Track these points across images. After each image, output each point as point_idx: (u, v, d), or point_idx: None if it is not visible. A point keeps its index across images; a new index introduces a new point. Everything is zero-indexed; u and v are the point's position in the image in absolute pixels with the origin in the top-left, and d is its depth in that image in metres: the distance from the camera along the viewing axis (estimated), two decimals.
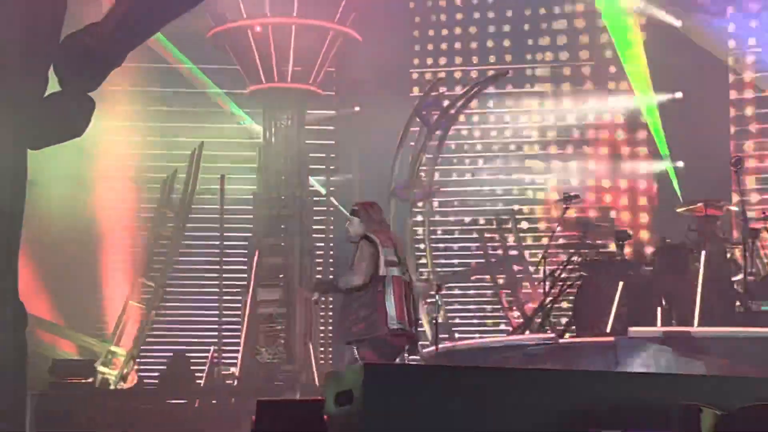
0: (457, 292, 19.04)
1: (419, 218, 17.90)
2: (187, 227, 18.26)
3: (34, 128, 12.91)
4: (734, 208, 14.72)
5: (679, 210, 13.84)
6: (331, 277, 9.46)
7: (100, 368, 17.19)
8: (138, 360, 17.88)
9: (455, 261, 19.25)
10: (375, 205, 9.88)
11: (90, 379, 15.92)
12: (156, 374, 17.86)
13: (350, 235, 9.55)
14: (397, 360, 9.34)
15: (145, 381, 17.79)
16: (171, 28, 13.47)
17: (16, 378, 12.38)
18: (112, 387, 17.14)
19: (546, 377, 6.94)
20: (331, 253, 19.26)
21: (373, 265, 9.31)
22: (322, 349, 18.44)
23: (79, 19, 13.06)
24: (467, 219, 19.52)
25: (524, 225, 19.13)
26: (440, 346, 13.56)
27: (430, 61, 19.75)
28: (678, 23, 18.56)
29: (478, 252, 18.67)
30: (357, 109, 19.51)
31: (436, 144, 17.75)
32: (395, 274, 9.34)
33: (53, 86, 13.09)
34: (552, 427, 6.16)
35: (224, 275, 18.39)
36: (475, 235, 19.03)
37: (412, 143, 17.70)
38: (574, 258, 13.77)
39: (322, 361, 18.19)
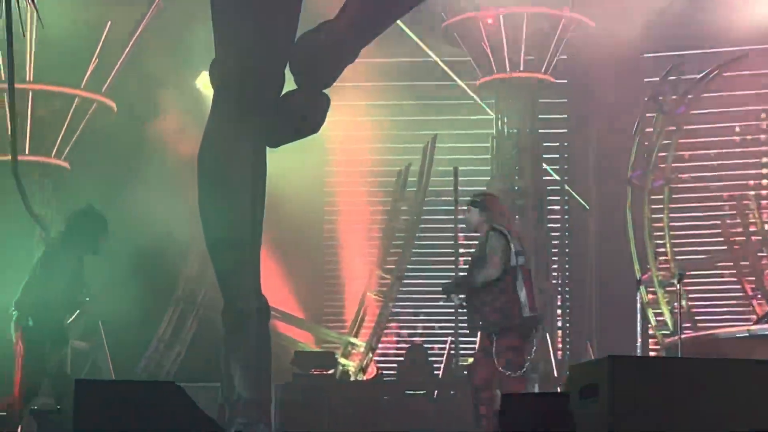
0: (698, 280, 18.54)
1: (657, 206, 17.52)
2: (421, 219, 18.37)
3: (273, 127, 13.23)
4: None
5: None
6: (463, 275, 9.85)
7: (341, 360, 17.48)
8: (377, 351, 18.09)
9: (696, 248, 18.75)
10: (496, 197, 10.24)
11: (331, 371, 16.20)
12: (394, 365, 18.03)
13: (469, 225, 9.96)
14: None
15: (384, 372, 17.99)
16: (401, 21, 13.63)
17: (261, 369, 12.74)
18: (352, 378, 17.39)
19: None
20: (566, 242, 19.09)
21: (506, 257, 9.68)
22: (559, 339, 18.27)
23: (313, 18, 13.31)
24: (708, 205, 19.00)
25: None
26: (682, 335, 13.24)
27: (666, 45, 19.27)
28: None
29: (720, 239, 18.14)
30: (590, 95, 19.22)
31: (674, 130, 17.35)
32: (522, 263, 9.78)
33: (290, 84, 13.39)
34: None
35: (459, 266, 18.43)
36: (716, 222, 18.49)
37: (650, 129, 17.35)
38: None
39: (560, 352, 18.04)
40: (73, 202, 17.35)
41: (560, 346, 18.30)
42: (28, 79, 17.16)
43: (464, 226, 10.12)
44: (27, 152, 17.32)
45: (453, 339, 17.80)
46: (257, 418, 12.33)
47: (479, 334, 10.35)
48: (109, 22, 17.23)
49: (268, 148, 13.46)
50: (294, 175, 17.18)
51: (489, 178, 18.61)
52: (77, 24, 16.91)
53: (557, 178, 19.12)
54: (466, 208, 10.23)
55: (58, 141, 17.44)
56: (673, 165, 17.51)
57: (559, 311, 18.37)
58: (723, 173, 19.06)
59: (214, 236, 12.89)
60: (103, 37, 17.30)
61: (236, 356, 12.78)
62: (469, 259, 10.70)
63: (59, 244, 10.93)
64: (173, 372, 17.75)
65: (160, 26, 17.68)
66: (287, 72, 13.32)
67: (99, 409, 7.18)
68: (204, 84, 17.02)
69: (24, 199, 11.83)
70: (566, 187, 19.05)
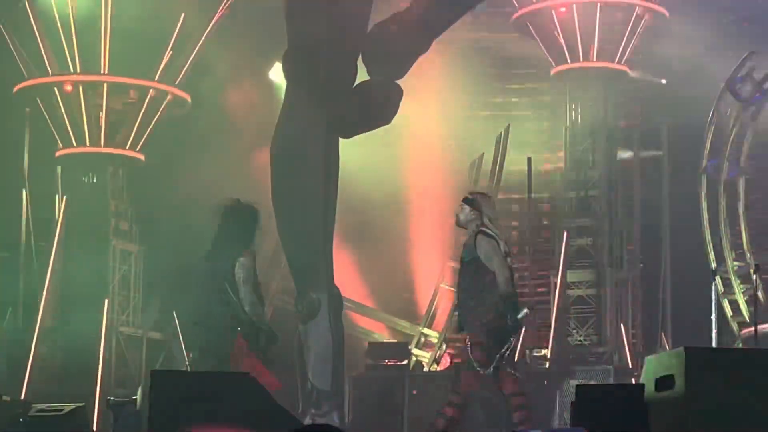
0: None
1: (733, 196, 17.32)
2: (495, 209, 18.25)
3: (345, 117, 13.27)
4: None
5: None
6: (503, 291, 9.62)
7: (414, 350, 17.47)
8: (450, 342, 18.05)
9: None
10: (489, 197, 10.21)
11: (404, 361, 16.18)
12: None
13: (458, 221, 9.87)
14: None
15: (457, 363, 17.93)
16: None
17: (335, 360, 12.80)
18: (425, 369, 17.38)
19: None
20: (641, 232, 18.91)
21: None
22: (633, 330, 18.12)
23: (385, 9, 13.32)
24: None
25: None
26: (759, 327, 13.08)
27: (742, 32, 19.00)
28: None
29: None
30: (663, 81, 19.00)
31: (749, 119, 17.14)
32: (510, 264, 9.81)
33: (362, 75, 13.41)
34: None
35: (533, 257, 18.36)
36: None
37: (725, 119, 17.15)
38: None
39: (634, 341, 17.89)
40: (147, 194, 17.55)
41: (634, 337, 18.14)
42: (102, 71, 17.30)
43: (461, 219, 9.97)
44: (102, 144, 17.48)
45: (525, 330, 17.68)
46: (331, 409, 12.38)
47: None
48: (183, 15, 17.32)
49: (340, 139, 13.51)
50: (367, 165, 17.18)
51: (563, 169, 18.52)
52: (151, 17, 17.03)
53: (631, 174, 18.84)
54: (459, 205, 10.15)
55: (133, 133, 17.57)
56: (747, 154, 17.31)
57: (632, 301, 18.21)
58: None
59: (288, 225, 12.97)
60: (177, 29, 17.39)
61: (309, 346, 12.84)
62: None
63: (234, 249, 10.45)
64: None
65: (234, 18, 17.75)
66: (360, 63, 13.35)
67: (174, 400, 7.22)
68: (277, 75, 17.08)
69: None
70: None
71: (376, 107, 13.38)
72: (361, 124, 13.55)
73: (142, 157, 17.71)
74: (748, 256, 16.79)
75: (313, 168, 13.09)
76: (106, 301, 16.85)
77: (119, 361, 16.86)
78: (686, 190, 17.70)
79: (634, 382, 13.14)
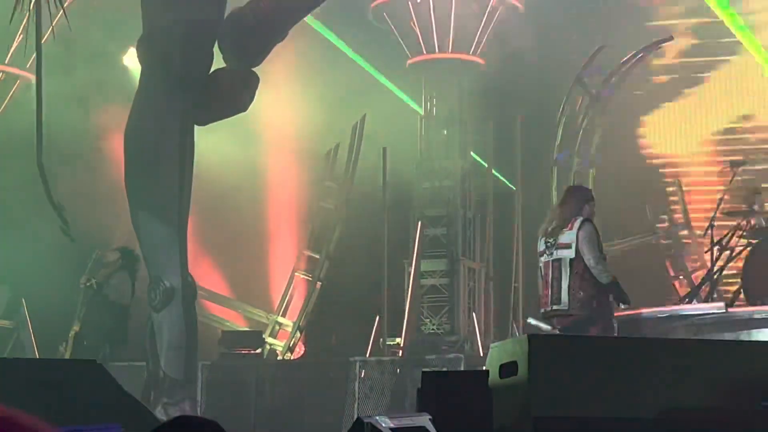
0: (622, 260, 18.71)
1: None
2: (350, 199, 18.36)
3: (201, 104, 13.17)
4: None
5: None
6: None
7: (268, 339, 17.46)
8: (304, 331, 18.08)
9: (620, 230, 18.89)
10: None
11: (258, 350, 16.19)
12: (322, 345, 18.03)
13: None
14: None
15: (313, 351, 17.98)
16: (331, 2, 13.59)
17: (187, 349, 12.71)
18: (279, 357, 17.39)
19: (715, 348, 6.81)
20: (493, 223, 19.18)
21: None
22: (485, 320, 18.37)
23: None
24: (630, 187, 19.17)
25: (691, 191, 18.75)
26: None
27: (593, 27, 19.37)
28: None
29: (644, 220, 18.34)
30: (517, 76, 19.25)
31: (599, 112, 17.49)
32: None
33: (218, 62, 13.33)
34: (722, 400, 6.04)
35: (388, 246, 18.47)
36: (641, 203, 18.66)
37: (575, 111, 17.47)
38: (743, 224, 13.44)
39: (486, 330, 18.14)
40: None
41: (486, 326, 18.39)
42: None
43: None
44: None
45: (380, 319, 17.83)
46: (182, 397, 12.30)
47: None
48: None
49: (195, 126, 13.41)
50: (222, 153, 17.10)
51: (417, 159, 18.67)
52: None
53: (484, 165, 19.11)
54: None
55: None
56: (597, 146, 17.66)
57: (485, 291, 18.46)
58: (647, 157, 19.24)
59: (141, 212, 12.83)
60: (30, 10, 17.02)
61: (162, 334, 12.73)
62: None
63: None
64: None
65: (88, 1, 17.46)
66: (216, 50, 13.27)
67: (18, 387, 7.11)
68: (131, 60, 16.87)
69: (46, 189, 11.62)
70: (493, 171, 19.11)
71: (233, 95, 13.30)
72: (217, 111, 13.46)
73: None
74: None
75: (167, 154, 12.97)
76: None
77: None
78: (539, 181, 17.99)
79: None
